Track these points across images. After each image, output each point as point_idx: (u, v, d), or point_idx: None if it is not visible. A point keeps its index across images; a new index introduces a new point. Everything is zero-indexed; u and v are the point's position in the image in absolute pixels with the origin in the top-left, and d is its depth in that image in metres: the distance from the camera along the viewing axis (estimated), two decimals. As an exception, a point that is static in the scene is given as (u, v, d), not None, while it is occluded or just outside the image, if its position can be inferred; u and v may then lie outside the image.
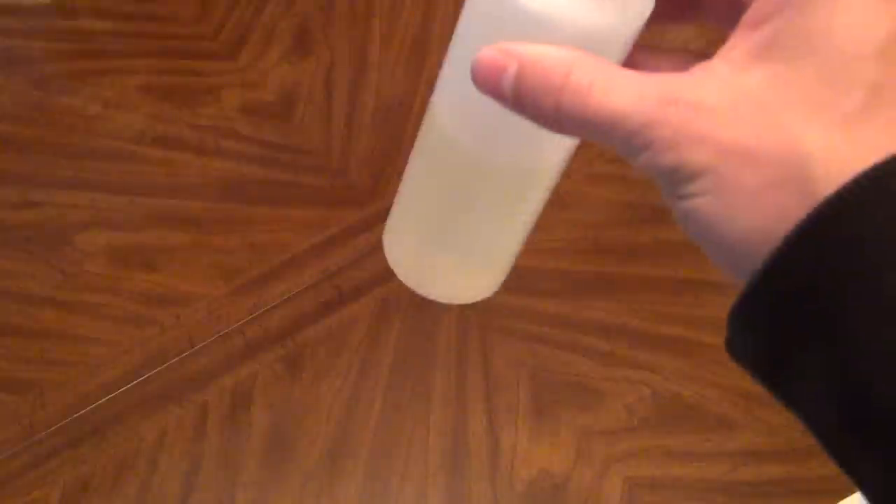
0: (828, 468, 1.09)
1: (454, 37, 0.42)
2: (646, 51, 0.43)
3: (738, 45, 0.32)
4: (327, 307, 1.22)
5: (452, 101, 0.45)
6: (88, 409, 1.13)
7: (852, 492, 1.07)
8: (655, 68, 0.41)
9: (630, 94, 0.32)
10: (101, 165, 1.38)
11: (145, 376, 1.15)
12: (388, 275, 1.27)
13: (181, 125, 1.44)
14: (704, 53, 0.34)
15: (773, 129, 0.29)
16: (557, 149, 0.44)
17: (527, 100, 0.34)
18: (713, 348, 1.18)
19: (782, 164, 0.29)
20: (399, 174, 1.38)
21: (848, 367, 0.27)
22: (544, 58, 0.33)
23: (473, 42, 0.38)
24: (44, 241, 1.29)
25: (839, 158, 0.28)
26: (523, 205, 0.49)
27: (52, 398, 1.13)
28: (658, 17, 0.40)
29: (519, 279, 1.25)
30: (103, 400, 1.13)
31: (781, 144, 0.29)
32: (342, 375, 1.15)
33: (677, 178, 0.32)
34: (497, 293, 1.13)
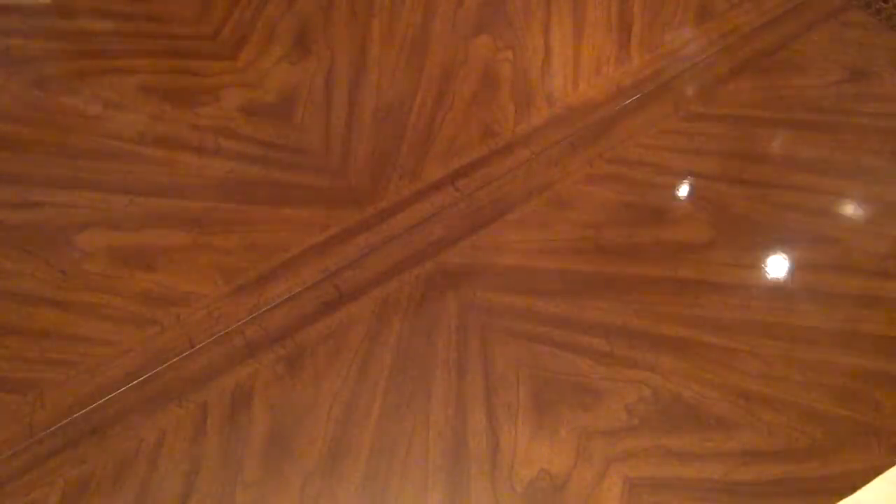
0: (828, 468, 1.09)
1: None
2: None
3: None
4: (327, 307, 1.22)
5: None
6: (88, 409, 1.13)
7: (852, 492, 1.07)
8: None
9: None
10: (101, 165, 1.38)
11: (145, 376, 1.15)
12: (388, 275, 1.28)
13: (181, 125, 1.45)
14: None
15: None
16: None
17: None
18: (713, 348, 1.18)
19: None
20: (399, 174, 1.38)
21: None
22: None
23: None
24: (44, 241, 1.29)
25: None
26: None
27: (52, 398, 1.13)
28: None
29: (519, 279, 1.25)
30: (103, 400, 1.13)
31: None
32: (342, 375, 1.15)
33: None
34: (497, 293, 1.13)
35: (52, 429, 1.11)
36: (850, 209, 1.36)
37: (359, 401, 1.13)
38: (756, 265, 1.28)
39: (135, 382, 1.15)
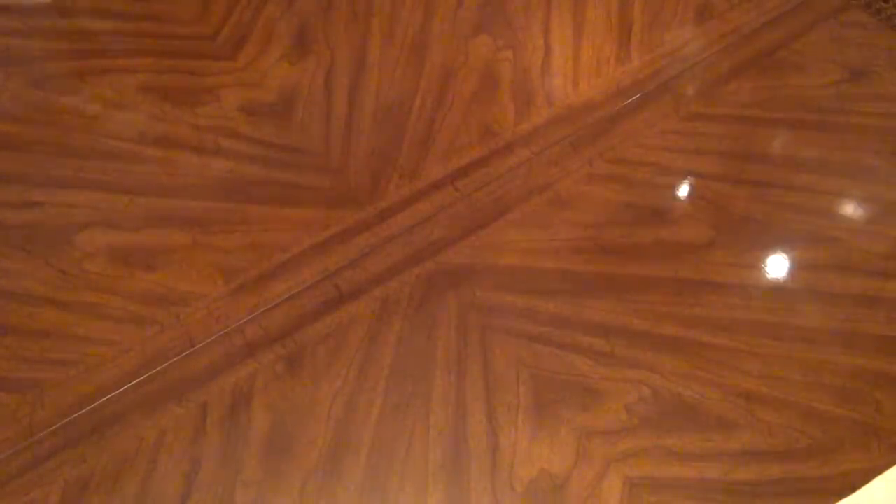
0: (827, 468, 1.09)
1: None
2: None
3: None
4: (327, 307, 1.22)
5: None
6: (88, 409, 1.13)
7: (852, 491, 1.07)
8: None
9: None
10: (101, 165, 1.38)
11: (145, 376, 1.15)
12: (388, 275, 1.28)
13: (181, 125, 1.45)
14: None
15: None
16: None
17: None
18: (713, 348, 1.19)
19: None
20: (399, 174, 1.38)
21: None
22: None
23: None
24: (44, 240, 1.29)
25: None
26: None
27: (52, 398, 1.13)
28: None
29: (519, 279, 1.25)
30: (103, 400, 1.13)
31: None
32: (342, 375, 1.15)
33: None
34: (497, 293, 1.13)
35: (52, 429, 1.11)
36: (850, 209, 1.36)
37: (359, 401, 1.13)
38: (756, 265, 1.28)
39: (135, 382, 1.15)
